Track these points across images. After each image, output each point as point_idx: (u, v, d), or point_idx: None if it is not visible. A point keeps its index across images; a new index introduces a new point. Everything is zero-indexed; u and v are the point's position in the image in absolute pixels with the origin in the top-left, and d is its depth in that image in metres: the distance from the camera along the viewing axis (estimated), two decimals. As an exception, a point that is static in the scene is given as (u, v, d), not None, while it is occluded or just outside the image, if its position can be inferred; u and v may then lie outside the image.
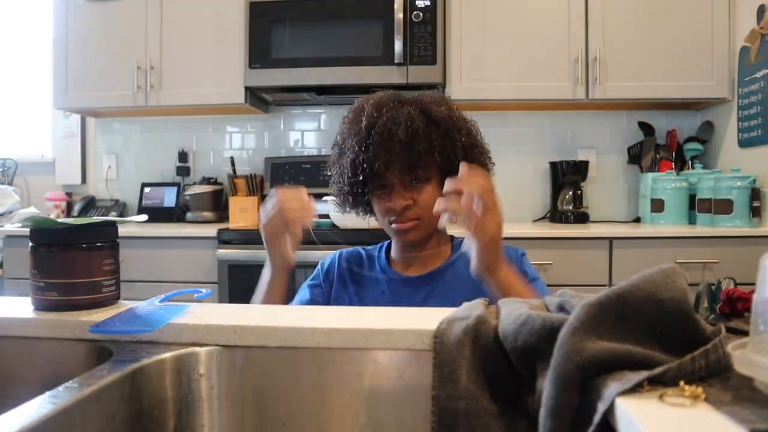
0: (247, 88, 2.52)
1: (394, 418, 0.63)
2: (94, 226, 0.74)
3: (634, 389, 0.42)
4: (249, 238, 2.26)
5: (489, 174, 1.08)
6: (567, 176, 2.62)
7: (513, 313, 0.57)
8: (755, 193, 2.17)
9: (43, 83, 2.92)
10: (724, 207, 2.19)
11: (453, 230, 1.09)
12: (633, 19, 2.40)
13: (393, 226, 1.03)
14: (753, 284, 0.45)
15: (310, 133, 2.92)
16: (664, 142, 2.66)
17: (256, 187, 2.75)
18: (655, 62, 2.39)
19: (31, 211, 2.77)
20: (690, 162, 2.58)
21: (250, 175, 2.76)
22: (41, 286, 0.71)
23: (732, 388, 0.42)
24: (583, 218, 2.56)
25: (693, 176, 2.43)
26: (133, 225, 2.38)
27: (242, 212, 2.69)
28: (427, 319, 0.64)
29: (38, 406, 0.47)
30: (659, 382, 0.43)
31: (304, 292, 1.10)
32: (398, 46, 2.34)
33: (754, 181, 2.17)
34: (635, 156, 2.69)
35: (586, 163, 2.63)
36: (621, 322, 0.46)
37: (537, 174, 2.78)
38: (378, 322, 0.65)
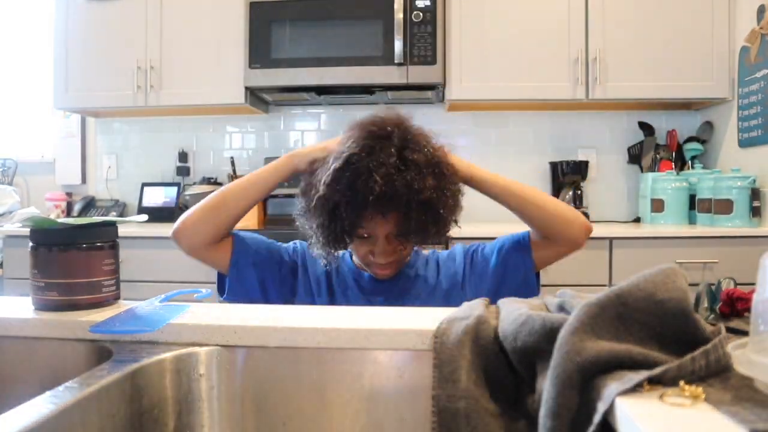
0: (247, 88, 2.51)
1: (394, 418, 0.63)
2: (94, 226, 0.74)
3: (634, 389, 0.42)
4: (249, 238, 2.25)
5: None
6: (567, 176, 2.62)
7: (513, 313, 0.57)
8: (755, 193, 2.17)
9: (43, 83, 2.91)
10: (724, 207, 2.19)
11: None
12: (633, 19, 2.40)
13: (372, 269, 1.03)
14: (753, 284, 0.45)
15: (310, 133, 2.92)
16: (664, 142, 2.66)
17: (256, 187, 2.74)
18: (655, 62, 2.39)
19: (31, 211, 2.77)
20: (690, 162, 2.58)
21: (250, 175, 2.76)
22: (41, 286, 0.71)
23: (732, 388, 0.42)
24: (583, 218, 2.56)
25: (693, 176, 2.43)
26: (133, 225, 2.38)
27: (242, 212, 2.68)
28: (427, 319, 0.64)
29: (38, 406, 0.47)
30: (659, 382, 0.43)
31: (272, 242, 1.12)
32: (398, 46, 2.34)
33: (754, 181, 2.17)
34: (635, 156, 2.69)
35: (586, 163, 2.63)
36: (621, 322, 0.46)
37: (537, 174, 2.77)
38: (378, 322, 0.65)
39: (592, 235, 2.25)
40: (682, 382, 0.42)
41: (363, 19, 2.42)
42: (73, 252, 0.71)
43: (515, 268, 1.11)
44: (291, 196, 2.68)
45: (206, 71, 2.54)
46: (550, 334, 0.50)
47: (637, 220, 2.64)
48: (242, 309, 0.75)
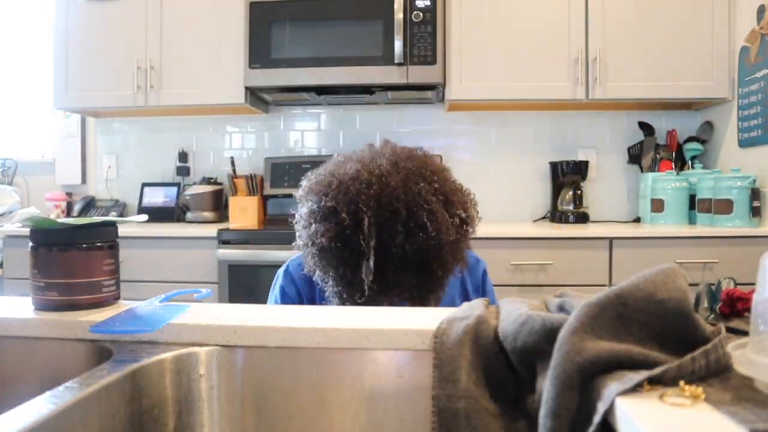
0: (247, 88, 2.52)
1: (394, 418, 0.63)
2: (94, 226, 0.74)
3: (634, 389, 0.42)
4: (249, 238, 2.26)
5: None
6: (567, 176, 2.62)
7: (513, 313, 0.57)
8: (755, 193, 2.18)
9: (43, 83, 2.92)
10: (724, 207, 2.19)
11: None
12: (633, 19, 2.40)
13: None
14: (753, 284, 0.45)
15: (310, 133, 2.92)
16: (664, 142, 2.66)
17: (256, 187, 2.75)
18: (655, 62, 2.40)
19: (31, 211, 2.77)
20: (690, 162, 2.58)
21: (250, 175, 2.76)
22: (41, 286, 0.71)
23: (732, 388, 0.42)
24: (583, 218, 2.56)
25: (693, 176, 2.43)
26: (133, 225, 2.38)
27: (242, 212, 2.69)
28: (427, 319, 0.64)
29: (38, 406, 0.47)
30: (659, 382, 0.43)
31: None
32: (398, 46, 2.34)
33: (754, 181, 2.17)
34: (635, 156, 2.69)
35: (586, 163, 2.63)
36: (621, 322, 0.46)
37: (537, 174, 2.78)
38: (378, 322, 0.65)
39: (592, 235, 2.24)
40: (682, 382, 0.42)
41: (363, 19, 2.42)
42: (73, 252, 0.71)
43: None
44: (290, 196, 2.69)
45: (206, 71, 2.54)
46: (550, 334, 0.50)
47: (637, 220, 2.64)
48: (242, 309, 0.75)
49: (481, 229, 2.41)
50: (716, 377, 0.44)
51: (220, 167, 2.91)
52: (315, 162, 2.73)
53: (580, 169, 2.61)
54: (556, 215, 2.64)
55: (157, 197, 2.85)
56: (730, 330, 0.57)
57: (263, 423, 0.64)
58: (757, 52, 2.24)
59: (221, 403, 0.65)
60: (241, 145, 2.94)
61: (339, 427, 0.63)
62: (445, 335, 0.59)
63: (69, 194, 2.96)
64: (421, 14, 2.36)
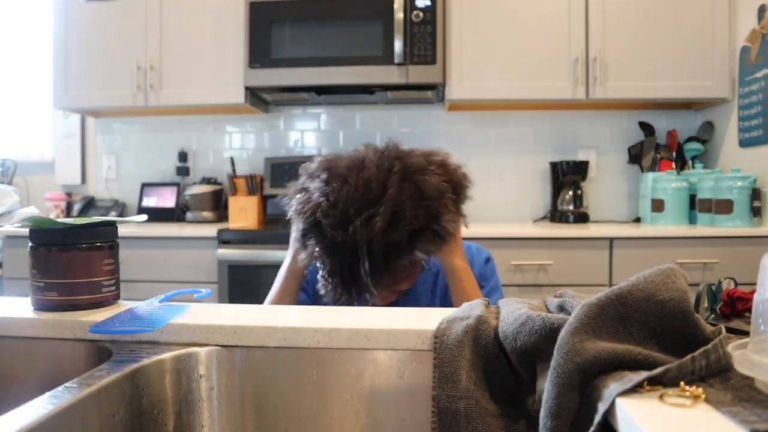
0: (247, 88, 2.51)
1: (394, 418, 0.63)
2: (93, 226, 0.74)
3: (635, 389, 0.42)
4: (249, 238, 2.26)
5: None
6: (567, 176, 2.62)
7: (513, 313, 0.57)
8: (755, 193, 2.17)
9: (43, 83, 2.91)
10: (724, 207, 2.19)
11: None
12: (633, 19, 2.40)
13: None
14: (753, 284, 0.45)
15: (310, 133, 2.92)
16: (665, 142, 2.66)
17: (256, 187, 2.75)
18: (655, 62, 2.39)
19: (31, 211, 2.77)
20: (690, 162, 2.58)
21: (250, 175, 2.76)
22: (41, 286, 0.71)
23: (732, 388, 0.42)
24: (583, 218, 2.56)
25: (693, 176, 2.43)
26: (133, 225, 2.38)
27: (242, 212, 2.69)
28: (427, 319, 0.64)
29: (38, 407, 0.47)
30: (659, 383, 0.43)
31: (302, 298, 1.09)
32: (398, 46, 2.34)
33: (755, 181, 2.17)
34: (635, 156, 2.69)
35: (586, 163, 2.63)
36: (621, 322, 0.45)
37: (537, 174, 2.78)
38: (378, 322, 0.65)
39: (592, 235, 2.24)
40: (682, 383, 0.42)
41: (363, 19, 2.42)
42: (73, 252, 0.71)
43: None
44: (291, 196, 2.68)
45: (206, 71, 2.54)
46: (550, 334, 0.50)
47: (638, 220, 2.64)
48: (242, 309, 0.75)
49: (482, 229, 2.41)
50: (716, 377, 0.44)
51: (220, 167, 2.91)
52: (315, 162, 2.74)
53: (580, 169, 2.61)
54: (556, 215, 2.64)
55: (157, 197, 2.85)
56: (730, 330, 0.57)
57: (263, 423, 0.64)
58: (757, 51, 2.24)
59: (221, 403, 0.65)
60: (241, 145, 2.94)
61: (339, 427, 0.63)
62: (445, 335, 0.59)
63: (69, 194, 2.96)
64: (421, 14, 2.36)
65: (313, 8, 2.44)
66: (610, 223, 2.62)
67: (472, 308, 0.63)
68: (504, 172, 2.78)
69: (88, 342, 0.66)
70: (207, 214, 2.72)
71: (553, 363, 0.45)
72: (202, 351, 0.65)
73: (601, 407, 0.41)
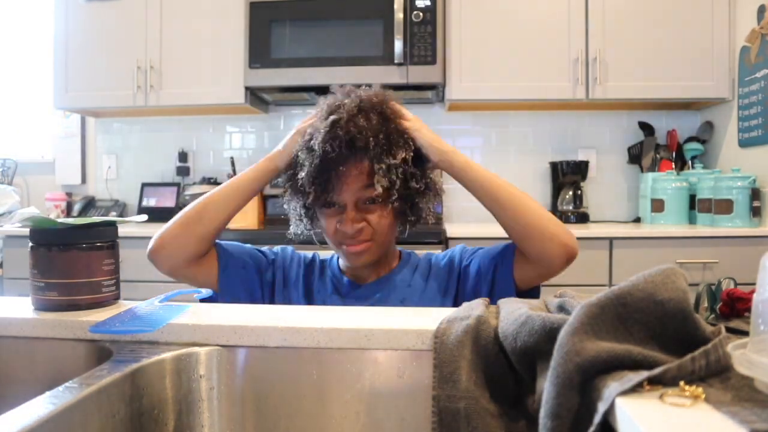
0: (247, 88, 2.51)
1: (394, 418, 0.63)
2: (94, 226, 0.74)
3: (634, 389, 0.42)
4: (249, 238, 2.25)
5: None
6: (567, 176, 2.62)
7: (513, 313, 0.57)
8: (755, 193, 2.18)
9: (43, 83, 2.91)
10: (724, 207, 2.19)
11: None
12: (633, 19, 2.40)
13: (344, 248, 0.97)
14: (753, 284, 0.45)
15: (310, 133, 2.92)
16: (664, 142, 2.66)
17: (256, 187, 2.75)
18: (655, 62, 2.39)
19: (31, 211, 2.76)
20: (690, 162, 2.58)
21: (250, 175, 2.76)
22: (41, 286, 0.71)
23: (732, 388, 0.42)
24: (583, 218, 2.56)
25: (693, 176, 2.43)
26: (133, 225, 2.38)
27: (242, 212, 2.66)
28: (427, 319, 0.64)
29: (38, 406, 0.47)
30: (659, 382, 0.43)
31: (252, 247, 1.10)
32: (398, 46, 2.34)
33: (754, 181, 2.17)
34: (635, 156, 2.69)
35: (586, 163, 2.63)
36: (621, 322, 0.46)
37: (537, 174, 2.78)
38: (378, 322, 0.65)
39: (592, 235, 2.23)
40: (682, 382, 0.42)
41: (363, 19, 2.42)
42: (73, 252, 0.71)
43: (500, 283, 1.00)
44: (291, 196, 2.69)
45: (206, 71, 2.54)
46: (550, 334, 0.50)
47: (638, 220, 2.64)
48: (242, 309, 0.75)
49: (481, 229, 2.41)
50: (716, 377, 0.44)
51: (220, 167, 2.91)
52: (315, 162, 2.74)
53: (580, 169, 2.61)
54: (556, 215, 2.62)
55: (157, 197, 2.85)
56: (730, 330, 0.57)
57: (263, 423, 0.64)
58: (757, 52, 2.24)
59: (221, 403, 0.65)
60: (241, 145, 2.94)
61: (339, 427, 0.63)
62: (445, 335, 0.59)
63: (69, 194, 2.96)
64: (421, 14, 2.36)
65: (313, 8, 2.44)
66: (610, 223, 2.62)
67: (472, 308, 0.63)
68: (504, 172, 2.74)
69: (88, 342, 0.66)
70: (207, 214, 2.71)
71: (553, 363, 0.45)
72: (202, 351, 0.65)
73: (601, 407, 0.41)
